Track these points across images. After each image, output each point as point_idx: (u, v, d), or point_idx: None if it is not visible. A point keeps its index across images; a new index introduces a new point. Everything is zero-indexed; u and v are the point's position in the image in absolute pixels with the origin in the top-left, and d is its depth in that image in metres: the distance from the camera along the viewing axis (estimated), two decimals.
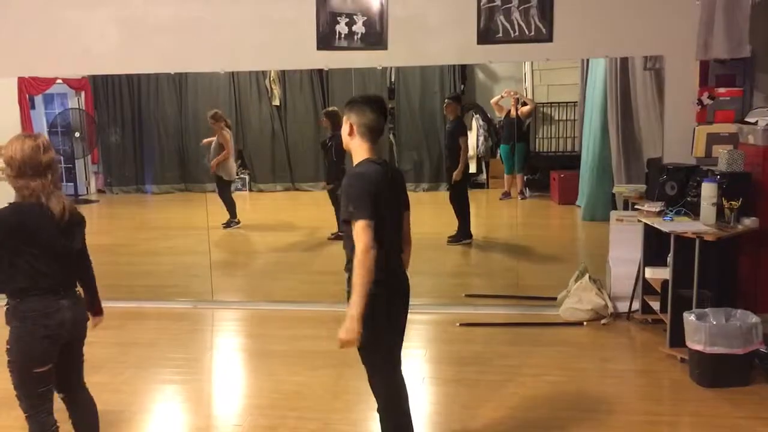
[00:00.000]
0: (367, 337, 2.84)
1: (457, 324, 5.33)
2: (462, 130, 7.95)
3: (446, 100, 8.01)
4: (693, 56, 5.14)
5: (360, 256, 2.68)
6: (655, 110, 5.98)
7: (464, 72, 10.49)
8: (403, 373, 3.10)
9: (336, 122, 8.26)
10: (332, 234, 8.28)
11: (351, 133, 2.89)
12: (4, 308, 2.87)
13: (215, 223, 8.55)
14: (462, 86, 10.51)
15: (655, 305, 4.99)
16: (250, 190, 11.31)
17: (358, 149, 2.90)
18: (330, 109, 8.53)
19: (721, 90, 5.15)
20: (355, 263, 2.70)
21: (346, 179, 2.81)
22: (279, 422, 3.82)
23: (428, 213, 7.74)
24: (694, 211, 4.68)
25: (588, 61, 8.44)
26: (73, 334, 3.01)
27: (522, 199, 9.34)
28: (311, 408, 3.96)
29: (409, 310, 3.08)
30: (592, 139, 8.18)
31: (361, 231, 2.68)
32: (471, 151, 8.74)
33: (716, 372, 4.09)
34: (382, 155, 2.96)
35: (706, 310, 4.23)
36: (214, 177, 8.78)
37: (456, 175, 7.61)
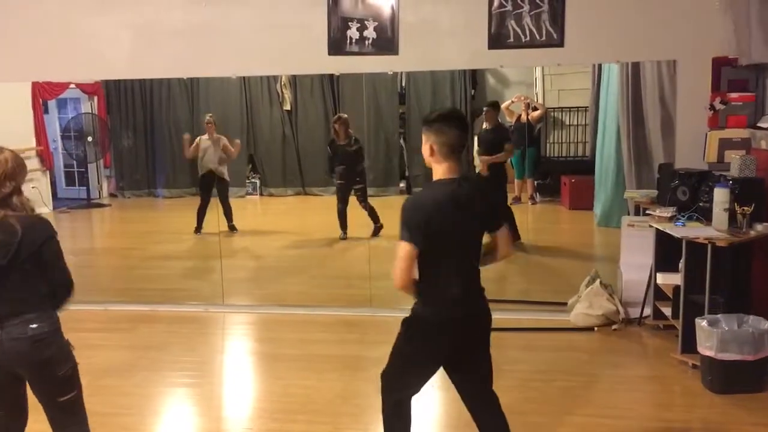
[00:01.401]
0: (399, 345, 2.90)
1: None
2: (506, 134, 7.94)
3: (485, 108, 7.97)
4: (705, 61, 5.12)
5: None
6: (666, 115, 5.96)
7: (475, 77, 10.50)
8: (411, 405, 3.01)
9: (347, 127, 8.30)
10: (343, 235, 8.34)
11: (432, 154, 2.76)
12: None
13: (225, 227, 8.58)
14: (473, 91, 10.52)
15: (667, 311, 4.96)
16: (261, 194, 11.36)
17: (437, 168, 2.77)
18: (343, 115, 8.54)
19: (734, 95, 5.12)
20: None
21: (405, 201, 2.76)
22: (288, 426, 3.82)
23: None
24: (706, 216, 4.65)
25: (600, 65, 8.44)
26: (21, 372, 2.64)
27: (532, 204, 9.33)
28: (321, 412, 3.97)
29: (481, 353, 2.97)
30: (607, 144, 8.16)
31: (399, 252, 2.65)
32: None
33: (728, 378, 4.06)
34: (465, 171, 2.84)
35: (718, 316, 4.20)
36: (220, 180, 8.77)
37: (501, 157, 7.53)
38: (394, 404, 2.97)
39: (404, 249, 2.62)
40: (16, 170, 2.60)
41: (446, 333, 2.79)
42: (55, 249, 2.66)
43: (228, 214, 8.76)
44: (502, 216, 2.77)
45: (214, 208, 8.47)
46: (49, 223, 2.69)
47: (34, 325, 2.60)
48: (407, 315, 2.85)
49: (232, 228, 8.77)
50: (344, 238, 8.36)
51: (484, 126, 7.89)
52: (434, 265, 2.71)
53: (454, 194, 2.70)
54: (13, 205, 2.57)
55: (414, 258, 2.63)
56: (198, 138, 8.81)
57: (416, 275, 2.70)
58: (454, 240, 2.72)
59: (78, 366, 2.79)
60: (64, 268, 2.70)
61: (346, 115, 8.51)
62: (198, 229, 8.64)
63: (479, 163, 7.60)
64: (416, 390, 2.98)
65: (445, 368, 2.94)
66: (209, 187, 8.68)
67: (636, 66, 6.69)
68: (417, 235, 2.62)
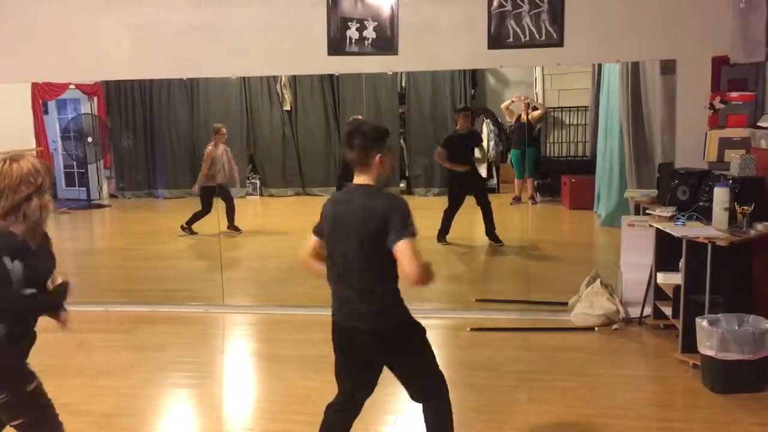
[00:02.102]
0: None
1: (468, 329, 5.32)
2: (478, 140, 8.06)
3: (458, 112, 8.03)
4: (705, 60, 5.12)
5: None
6: (666, 114, 5.96)
7: (475, 77, 10.50)
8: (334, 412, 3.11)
9: None
10: None
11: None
12: None
13: (226, 228, 8.58)
14: (473, 91, 10.52)
15: (667, 310, 4.96)
16: (261, 194, 11.36)
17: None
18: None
19: (734, 94, 5.12)
20: None
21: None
22: (289, 427, 3.83)
23: (438, 218, 7.73)
24: (706, 216, 4.65)
25: (600, 65, 8.43)
26: None
27: (533, 203, 9.32)
28: (321, 413, 3.95)
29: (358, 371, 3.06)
30: (609, 144, 8.15)
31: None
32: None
33: (728, 378, 4.06)
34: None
35: (719, 315, 4.20)
36: (225, 190, 8.79)
37: None
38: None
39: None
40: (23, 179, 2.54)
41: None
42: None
43: (231, 214, 8.76)
44: (401, 230, 2.66)
45: (216, 209, 8.49)
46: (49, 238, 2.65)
47: None
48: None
49: (235, 228, 8.77)
50: None
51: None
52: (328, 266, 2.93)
53: (342, 200, 2.92)
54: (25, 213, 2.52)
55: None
56: (210, 149, 8.70)
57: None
58: (337, 245, 2.88)
59: (29, 394, 2.61)
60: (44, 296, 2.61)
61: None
62: (187, 228, 8.61)
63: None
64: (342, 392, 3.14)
65: None
66: (213, 197, 8.60)
67: (636, 65, 6.68)
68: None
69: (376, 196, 2.79)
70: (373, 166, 2.82)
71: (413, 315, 2.94)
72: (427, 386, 3.00)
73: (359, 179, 2.85)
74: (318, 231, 2.99)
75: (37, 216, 2.55)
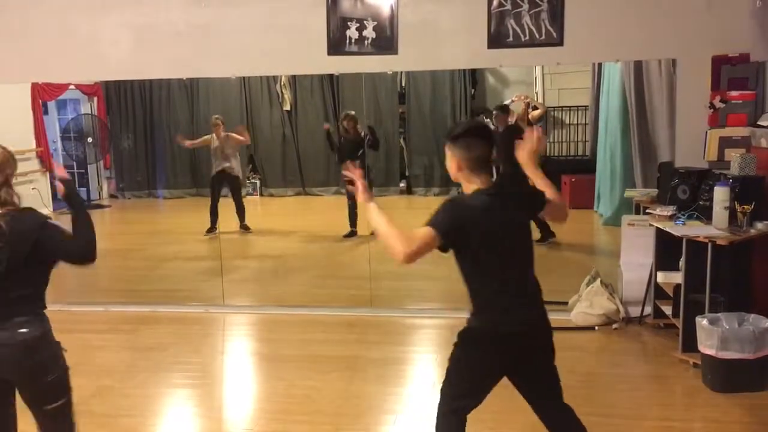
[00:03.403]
0: (454, 358, 2.82)
1: None
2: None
3: (494, 111, 8.12)
4: (705, 59, 5.12)
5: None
6: (668, 114, 5.96)
7: (474, 76, 10.51)
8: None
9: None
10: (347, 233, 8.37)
11: (460, 169, 2.66)
12: None
13: (227, 227, 8.58)
14: (473, 90, 10.52)
15: (667, 310, 4.96)
16: (261, 194, 11.36)
17: (468, 185, 2.66)
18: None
19: (734, 93, 5.12)
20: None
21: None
22: (290, 427, 3.83)
23: None
24: (706, 215, 4.65)
25: (600, 64, 8.43)
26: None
27: None
28: (322, 413, 3.97)
29: (538, 365, 2.90)
30: (610, 143, 8.15)
31: (418, 232, 2.50)
32: None
33: (729, 377, 4.06)
34: (500, 181, 2.76)
35: (719, 314, 4.20)
36: (234, 179, 8.82)
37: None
38: (443, 414, 2.87)
39: (425, 230, 2.51)
40: (3, 163, 2.55)
41: (497, 344, 2.73)
42: (52, 233, 2.54)
43: (241, 213, 8.81)
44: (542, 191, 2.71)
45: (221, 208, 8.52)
46: (36, 211, 2.58)
47: (24, 330, 2.51)
48: (463, 327, 2.82)
49: (245, 228, 8.79)
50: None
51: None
52: (483, 273, 2.66)
53: (494, 203, 2.61)
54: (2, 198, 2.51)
55: (429, 243, 2.50)
56: (208, 137, 8.80)
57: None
58: (500, 249, 2.63)
59: (69, 370, 2.67)
60: (75, 242, 2.60)
61: (353, 112, 8.58)
62: (212, 228, 8.58)
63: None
64: (472, 403, 2.87)
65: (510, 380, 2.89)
66: (220, 186, 8.69)
67: (638, 64, 6.69)
68: (445, 226, 2.53)
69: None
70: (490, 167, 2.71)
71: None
72: None
73: (486, 183, 2.65)
74: (444, 230, 2.55)
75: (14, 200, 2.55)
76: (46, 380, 2.55)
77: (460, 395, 2.80)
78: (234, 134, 8.80)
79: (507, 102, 9.05)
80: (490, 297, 2.68)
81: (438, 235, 2.50)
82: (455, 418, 2.83)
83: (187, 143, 9.07)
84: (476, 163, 2.62)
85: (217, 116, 8.93)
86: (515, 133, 7.71)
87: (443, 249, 2.58)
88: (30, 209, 2.57)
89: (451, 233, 2.54)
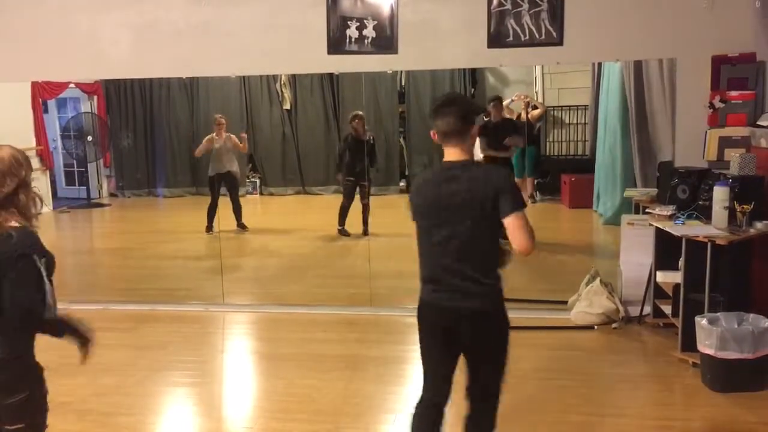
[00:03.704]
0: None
1: None
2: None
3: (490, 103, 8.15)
4: (705, 59, 5.12)
5: None
6: (668, 113, 5.96)
7: (474, 76, 10.50)
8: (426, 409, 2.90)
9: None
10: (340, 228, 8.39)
11: (437, 140, 2.76)
12: None
13: (227, 226, 8.59)
14: (473, 90, 10.52)
15: (667, 309, 4.97)
16: (261, 193, 11.36)
17: (444, 152, 2.77)
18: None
19: (733, 93, 5.12)
20: None
21: None
22: (289, 425, 3.83)
23: None
24: (705, 214, 4.65)
25: (600, 64, 8.43)
26: None
27: (532, 202, 9.32)
28: (321, 411, 3.97)
29: (474, 356, 2.81)
30: (610, 143, 8.14)
31: None
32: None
33: (728, 377, 4.06)
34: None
35: (718, 314, 4.20)
36: (233, 179, 8.83)
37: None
38: (415, 405, 2.91)
39: None
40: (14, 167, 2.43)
41: (424, 312, 2.81)
42: (17, 272, 2.35)
43: (238, 212, 8.82)
44: (513, 203, 2.60)
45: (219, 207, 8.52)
46: (25, 237, 2.40)
47: None
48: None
49: (242, 227, 8.80)
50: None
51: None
52: (419, 243, 2.77)
53: (443, 175, 2.70)
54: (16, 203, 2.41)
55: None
56: (210, 136, 8.80)
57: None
58: (434, 220, 2.70)
59: (40, 396, 2.56)
60: (28, 296, 2.39)
61: (362, 112, 8.60)
62: (209, 228, 8.60)
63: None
64: (432, 390, 2.86)
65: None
66: (220, 185, 8.70)
67: (637, 63, 6.69)
68: (411, 209, 2.77)
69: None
70: (473, 138, 2.72)
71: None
72: None
73: (454, 155, 2.71)
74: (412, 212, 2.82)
75: (30, 211, 2.45)
76: (6, 402, 2.47)
77: (424, 381, 2.87)
78: (234, 138, 8.80)
79: (507, 101, 9.06)
80: (421, 265, 2.78)
81: (413, 220, 2.78)
82: (415, 410, 2.89)
83: (196, 152, 9.03)
84: (443, 135, 2.71)
85: (220, 115, 8.92)
86: (508, 126, 7.82)
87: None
88: (21, 231, 2.41)
89: (411, 205, 2.77)
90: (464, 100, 2.81)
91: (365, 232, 8.26)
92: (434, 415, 2.85)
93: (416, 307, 2.82)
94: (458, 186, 2.64)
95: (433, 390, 2.85)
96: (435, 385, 2.84)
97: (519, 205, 2.62)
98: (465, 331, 2.70)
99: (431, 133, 2.76)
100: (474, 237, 2.65)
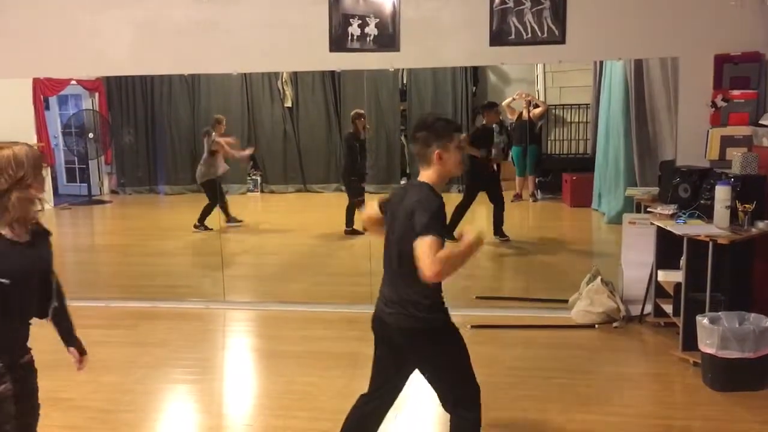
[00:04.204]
0: None
1: (468, 326, 5.31)
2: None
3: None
4: (707, 58, 5.11)
5: None
6: (669, 112, 5.96)
7: (476, 74, 10.48)
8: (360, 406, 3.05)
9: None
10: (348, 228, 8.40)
11: None
12: None
13: (227, 224, 8.59)
14: (474, 88, 10.50)
15: (668, 308, 4.96)
16: (262, 191, 11.35)
17: None
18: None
19: (735, 92, 5.12)
20: None
21: None
22: (290, 423, 3.83)
23: None
24: (707, 214, 4.65)
25: (602, 63, 8.42)
26: None
27: (534, 201, 9.31)
28: (322, 409, 3.97)
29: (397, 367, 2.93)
30: (612, 141, 8.13)
31: None
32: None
33: (729, 376, 4.06)
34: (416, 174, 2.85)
35: (719, 313, 4.20)
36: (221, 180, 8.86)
37: None
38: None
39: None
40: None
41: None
42: None
43: (227, 208, 8.78)
44: (427, 226, 2.53)
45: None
46: None
47: None
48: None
49: (233, 221, 8.79)
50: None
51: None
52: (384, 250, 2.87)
53: (403, 190, 2.85)
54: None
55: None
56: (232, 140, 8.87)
57: None
58: (387, 233, 2.84)
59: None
60: None
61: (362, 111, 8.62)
62: (205, 227, 8.62)
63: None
64: (380, 392, 3.02)
65: None
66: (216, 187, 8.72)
67: (638, 62, 6.68)
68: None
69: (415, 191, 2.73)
70: (434, 161, 2.73)
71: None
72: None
73: (420, 175, 2.80)
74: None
75: (18, 212, 2.39)
76: None
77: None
78: (224, 140, 8.79)
79: (508, 100, 9.06)
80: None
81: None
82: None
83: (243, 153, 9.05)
84: (416, 157, 2.83)
85: (220, 115, 8.92)
86: (489, 134, 7.88)
87: None
88: None
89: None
90: (432, 125, 2.75)
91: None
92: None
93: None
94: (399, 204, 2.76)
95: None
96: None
97: (428, 229, 2.53)
98: None
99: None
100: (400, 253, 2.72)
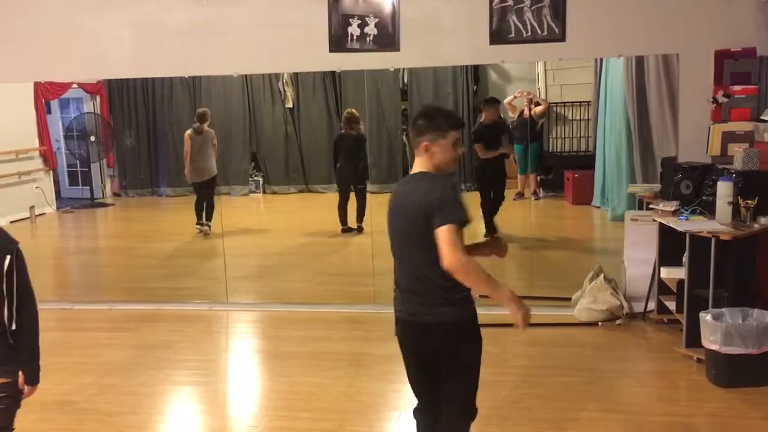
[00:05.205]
0: None
1: None
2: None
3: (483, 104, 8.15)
4: (708, 54, 5.10)
5: None
6: (670, 109, 5.95)
7: (477, 72, 10.49)
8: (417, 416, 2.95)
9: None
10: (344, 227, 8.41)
11: None
12: None
13: (230, 225, 8.59)
14: (475, 87, 10.51)
15: (671, 305, 4.96)
16: (264, 192, 11.37)
17: None
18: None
19: (737, 88, 5.10)
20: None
21: None
22: (293, 423, 3.83)
23: None
24: (709, 210, 4.64)
25: (602, 60, 8.42)
26: None
27: (536, 199, 9.32)
28: (325, 409, 3.97)
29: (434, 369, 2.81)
30: (614, 138, 8.13)
31: None
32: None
33: (732, 372, 4.06)
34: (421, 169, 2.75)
35: (723, 309, 4.20)
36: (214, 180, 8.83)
37: None
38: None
39: None
40: None
41: (396, 324, 2.91)
42: None
43: (212, 213, 8.69)
44: (444, 216, 2.53)
45: (218, 207, 8.51)
46: None
47: None
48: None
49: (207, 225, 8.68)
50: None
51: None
52: (393, 256, 2.85)
53: (399, 189, 2.81)
54: None
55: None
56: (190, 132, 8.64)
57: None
58: (394, 235, 2.82)
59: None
60: None
61: (354, 110, 8.63)
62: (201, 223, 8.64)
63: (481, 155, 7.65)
64: (418, 399, 2.92)
65: None
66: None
67: (639, 59, 6.68)
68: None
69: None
70: (420, 151, 2.69)
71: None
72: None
73: (416, 166, 2.75)
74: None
75: None
76: None
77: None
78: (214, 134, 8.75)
79: (510, 98, 9.06)
80: (394, 272, 2.87)
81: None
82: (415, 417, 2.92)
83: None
84: (412, 148, 2.77)
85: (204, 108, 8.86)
86: (497, 129, 7.84)
87: None
88: None
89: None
90: (432, 116, 2.70)
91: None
92: None
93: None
94: (405, 197, 2.73)
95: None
96: None
97: (449, 219, 2.53)
98: None
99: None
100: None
